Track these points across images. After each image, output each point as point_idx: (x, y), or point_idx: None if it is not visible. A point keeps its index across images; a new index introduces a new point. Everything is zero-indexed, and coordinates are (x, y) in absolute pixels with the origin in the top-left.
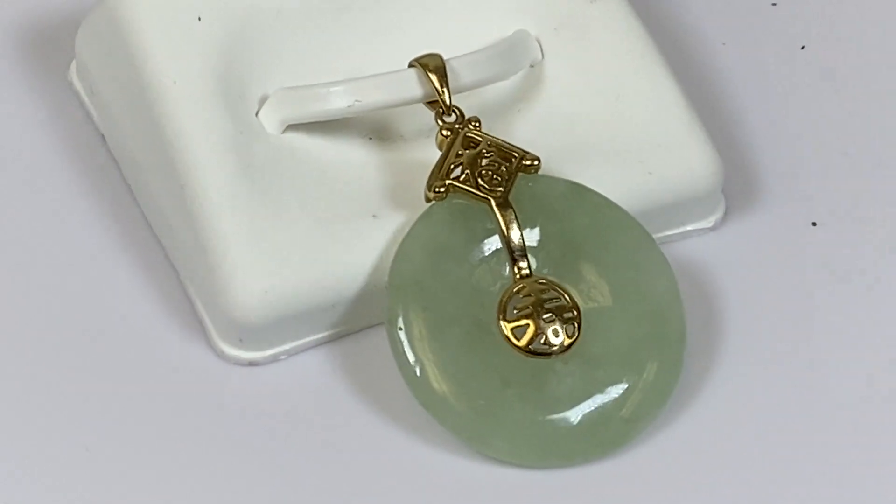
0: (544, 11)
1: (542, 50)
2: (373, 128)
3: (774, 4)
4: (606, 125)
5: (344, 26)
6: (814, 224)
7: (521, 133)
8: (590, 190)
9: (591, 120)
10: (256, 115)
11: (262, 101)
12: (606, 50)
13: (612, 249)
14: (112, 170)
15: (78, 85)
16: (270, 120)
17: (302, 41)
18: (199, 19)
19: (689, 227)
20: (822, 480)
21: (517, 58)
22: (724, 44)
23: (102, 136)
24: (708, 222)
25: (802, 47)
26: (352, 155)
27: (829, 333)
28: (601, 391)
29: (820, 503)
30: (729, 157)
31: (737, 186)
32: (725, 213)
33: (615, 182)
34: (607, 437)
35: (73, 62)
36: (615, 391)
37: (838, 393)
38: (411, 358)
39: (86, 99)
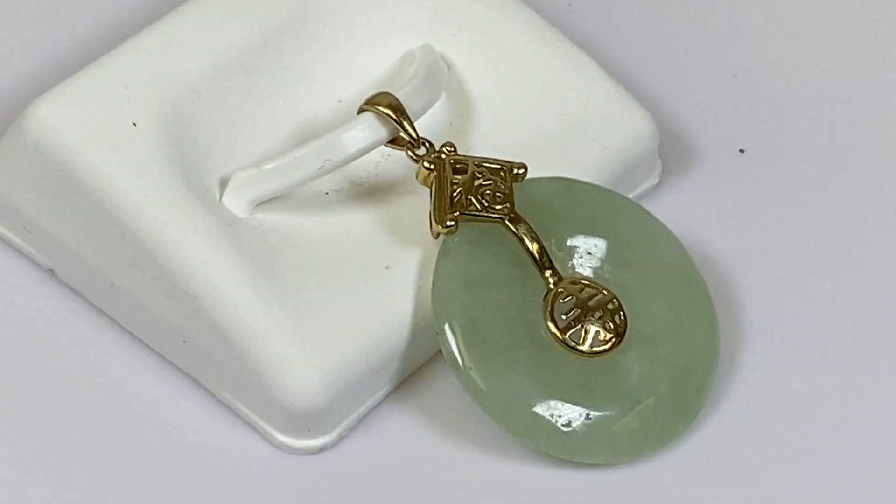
0: (436, 21)
1: (445, 59)
2: (325, 182)
3: None
4: (545, 113)
5: (259, 87)
6: (741, 151)
7: (467, 146)
8: (576, 180)
9: (528, 112)
10: (220, 200)
11: (222, 184)
12: (511, 41)
13: (622, 230)
14: (75, 301)
15: None
16: (237, 203)
17: (229, 114)
18: (135, 125)
19: (641, 188)
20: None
21: (441, 73)
22: (570, 4)
23: (51, 271)
24: (654, 179)
25: None
26: (325, 215)
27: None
28: (667, 367)
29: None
30: None
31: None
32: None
33: (579, 165)
34: (685, 408)
35: None
36: (679, 362)
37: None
38: (491, 394)
39: (15, 239)
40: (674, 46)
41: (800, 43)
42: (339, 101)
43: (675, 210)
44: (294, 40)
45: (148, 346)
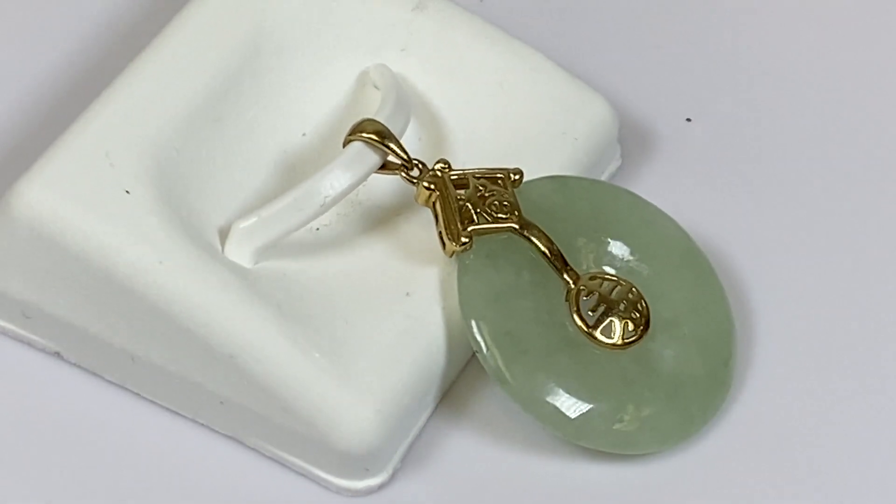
0: (383, 38)
1: (401, 76)
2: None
3: None
4: (510, 114)
5: (229, 132)
6: (688, 120)
7: (445, 158)
8: (567, 177)
9: (493, 117)
10: (223, 253)
11: (222, 236)
12: (461, 48)
13: (623, 219)
14: (88, 379)
15: None
16: (242, 254)
17: (208, 164)
18: (128, 192)
19: (608, 172)
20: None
21: (407, 91)
22: (481, 1)
23: (57, 353)
24: (617, 161)
25: None
26: (329, 252)
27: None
28: (695, 345)
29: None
30: None
31: None
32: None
33: (555, 160)
34: (719, 383)
35: None
36: (704, 338)
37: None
38: (540, 403)
39: (14, 327)
40: (597, 29)
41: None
42: (304, 134)
43: (643, 189)
44: (251, 80)
45: (179, 414)
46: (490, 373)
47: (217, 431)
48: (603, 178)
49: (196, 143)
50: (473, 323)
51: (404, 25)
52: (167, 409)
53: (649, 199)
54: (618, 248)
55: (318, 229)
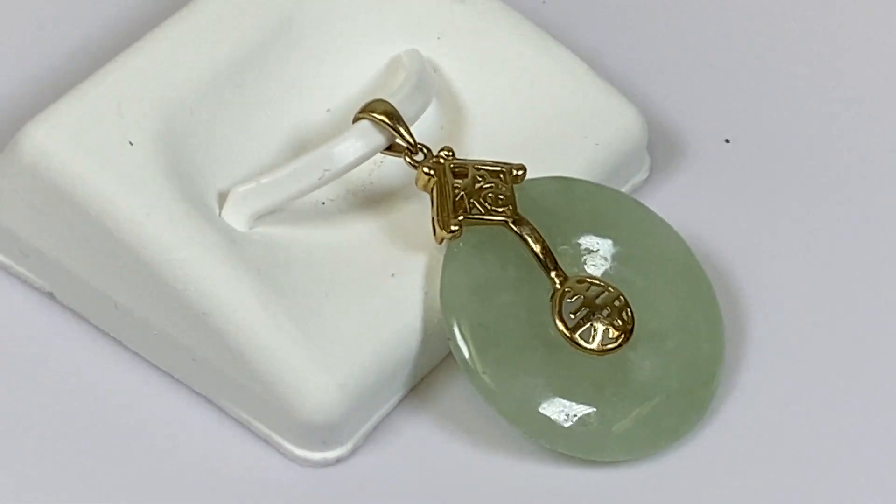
0: (420, 25)
1: (432, 63)
2: (321, 192)
3: None
4: (535, 113)
5: (249, 99)
6: (727, 141)
7: (460, 149)
8: (573, 179)
9: (518, 113)
10: (219, 215)
11: (221, 199)
12: (496, 42)
13: (622, 226)
14: (76, 323)
15: None
16: (238, 218)
17: (223, 128)
18: (131, 144)
19: (631, 183)
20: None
21: (431, 78)
22: (543, 2)
23: (50, 294)
24: (644, 173)
25: None
26: (326, 225)
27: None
28: (677, 361)
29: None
30: None
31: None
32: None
33: (573, 163)
34: (697, 402)
35: None
36: (688, 356)
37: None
38: (506, 397)
39: (13, 263)
40: (653, 40)
41: (780, 30)
42: (328, 110)
43: (666, 203)
44: (280, 51)
45: (155, 366)
46: (459, 361)
47: (190, 389)
48: (626, 187)
49: (213, 106)
50: (449, 310)
51: (444, 14)
52: (146, 362)
53: (671, 214)
54: (613, 255)
55: (323, 203)
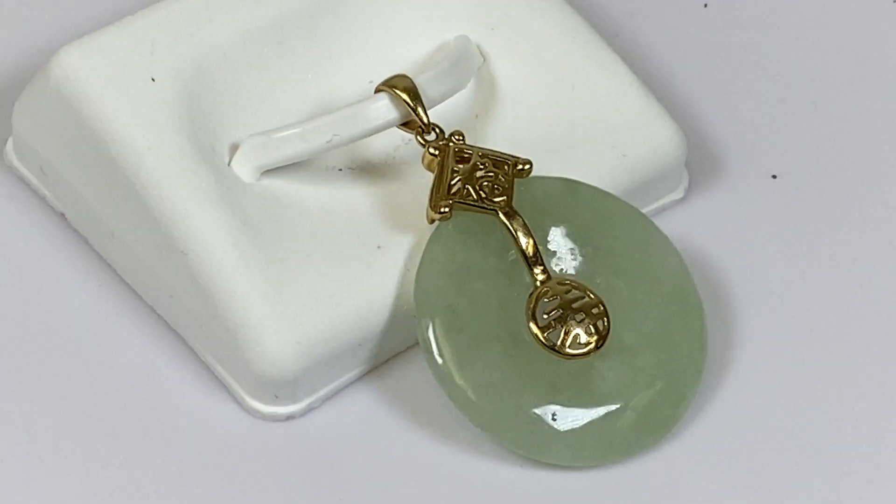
0: (476, 13)
1: (482, 52)
2: (340, 158)
3: None
4: (570, 115)
5: (289, 59)
6: (774, 177)
7: (487, 139)
8: (581, 183)
9: (554, 113)
10: (228, 164)
11: (232, 149)
12: (549, 41)
13: (620, 237)
14: (81, 247)
15: (20, 166)
16: (245, 168)
17: (253, 82)
18: (153, 80)
19: (662, 201)
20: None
21: (470, 64)
22: (631, 15)
23: (62, 215)
24: (678, 193)
25: (705, 5)
26: (332, 189)
27: (815, 282)
28: (644, 378)
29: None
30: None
31: (689, 153)
32: (689, 182)
33: (595, 170)
34: (658, 422)
35: (10, 141)
36: (656, 375)
37: (829, 339)
38: (458, 383)
39: (33, 179)
40: (728, 65)
41: (854, 77)
42: (371, 82)
43: (695, 225)
44: (331, 17)
45: (141, 299)
46: (420, 340)
47: (168, 325)
48: (655, 204)
49: (249, 59)
50: (421, 288)
51: (502, 6)
52: (135, 294)
53: (695, 236)
54: (603, 264)
55: (340, 170)
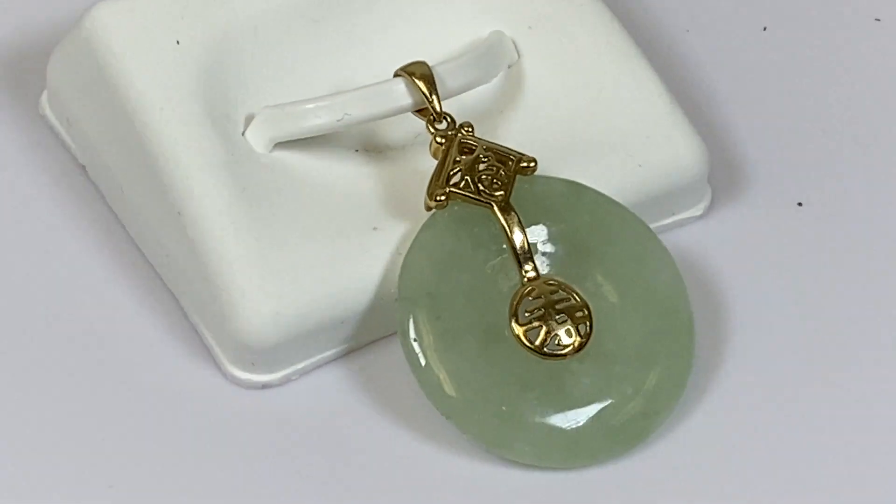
0: (516, 11)
1: (517, 49)
2: (358, 139)
3: None
4: (592, 120)
5: (320, 38)
6: (800, 204)
7: (507, 135)
8: (587, 187)
9: (576, 116)
10: (243, 134)
11: (248, 120)
12: (583, 45)
13: (616, 245)
14: (96, 200)
15: (51, 116)
16: (258, 139)
17: (280, 56)
18: (178, 43)
19: (679, 217)
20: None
21: (498, 59)
22: (687, 31)
23: (83, 167)
24: (697, 210)
25: (764, 28)
26: (342, 168)
27: (829, 311)
28: (619, 388)
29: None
30: (709, 143)
31: (719, 172)
32: (712, 200)
33: (607, 177)
34: (629, 433)
35: (45, 92)
36: (632, 386)
37: (839, 365)
38: (428, 369)
39: (61, 130)
40: (775, 90)
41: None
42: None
43: (710, 244)
44: (368, 3)
45: (143, 256)
46: (397, 324)
47: (164, 285)
48: (671, 219)
49: (280, 34)
50: (406, 271)
51: (540, 4)
52: (139, 250)
53: (716, 253)
54: (597, 269)
55: (356, 151)
